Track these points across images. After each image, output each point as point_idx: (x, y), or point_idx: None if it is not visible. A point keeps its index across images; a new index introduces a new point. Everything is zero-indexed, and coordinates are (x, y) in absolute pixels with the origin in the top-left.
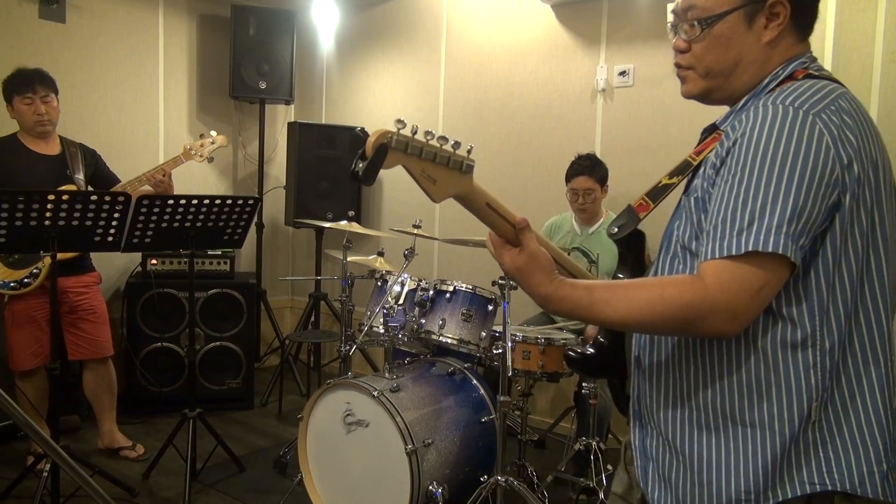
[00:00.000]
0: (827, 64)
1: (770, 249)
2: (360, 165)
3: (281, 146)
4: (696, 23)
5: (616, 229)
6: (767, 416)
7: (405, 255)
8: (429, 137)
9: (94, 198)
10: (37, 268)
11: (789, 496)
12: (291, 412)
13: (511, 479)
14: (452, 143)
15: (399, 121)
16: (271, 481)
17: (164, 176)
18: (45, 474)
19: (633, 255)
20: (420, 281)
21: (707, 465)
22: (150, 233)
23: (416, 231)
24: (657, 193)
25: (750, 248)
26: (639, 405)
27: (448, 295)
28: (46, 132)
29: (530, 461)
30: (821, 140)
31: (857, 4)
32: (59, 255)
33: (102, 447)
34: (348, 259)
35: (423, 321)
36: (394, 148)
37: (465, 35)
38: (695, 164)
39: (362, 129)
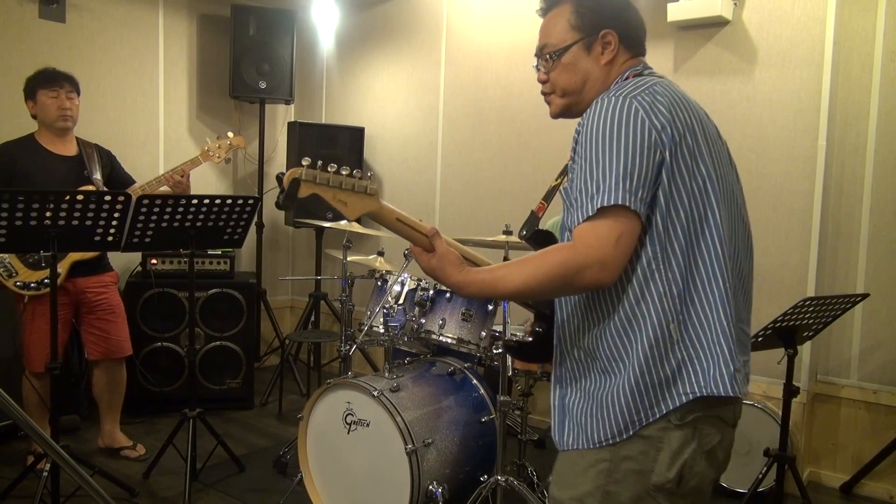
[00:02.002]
0: (827, 64)
1: (612, 202)
2: (281, 197)
3: (281, 146)
4: (549, 56)
5: (525, 231)
6: (644, 344)
7: (405, 255)
8: (332, 170)
9: (93, 198)
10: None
11: (671, 408)
12: (291, 412)
13: (511, 478)
14: (356, 173)
15: (305, 158)
16: (271, 481)
17: (182, 177)
18: (45, 474)
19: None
20: (420, 280)
21: (608, 400)
22: (150, 232)
23: None
24: (549, 194)
25: (599, 206)
26: (560, 371)
27: (448, 294)
28: (67, 128)
29: (530, 461)
30: (637, 114)
31: (857, 4)
32: (78, 256)
33: (102, 446)
34: (348, 259)
35: (423, 321)
36: (305, 180)
37: (464, 35)
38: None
39: (280, 173)
